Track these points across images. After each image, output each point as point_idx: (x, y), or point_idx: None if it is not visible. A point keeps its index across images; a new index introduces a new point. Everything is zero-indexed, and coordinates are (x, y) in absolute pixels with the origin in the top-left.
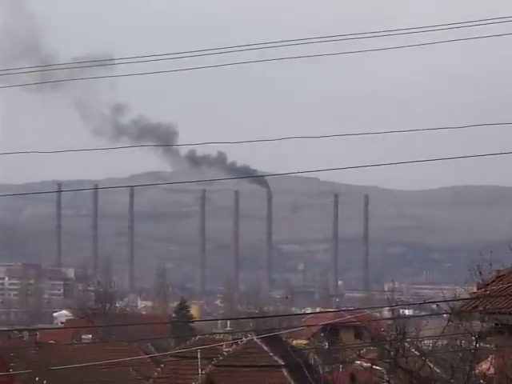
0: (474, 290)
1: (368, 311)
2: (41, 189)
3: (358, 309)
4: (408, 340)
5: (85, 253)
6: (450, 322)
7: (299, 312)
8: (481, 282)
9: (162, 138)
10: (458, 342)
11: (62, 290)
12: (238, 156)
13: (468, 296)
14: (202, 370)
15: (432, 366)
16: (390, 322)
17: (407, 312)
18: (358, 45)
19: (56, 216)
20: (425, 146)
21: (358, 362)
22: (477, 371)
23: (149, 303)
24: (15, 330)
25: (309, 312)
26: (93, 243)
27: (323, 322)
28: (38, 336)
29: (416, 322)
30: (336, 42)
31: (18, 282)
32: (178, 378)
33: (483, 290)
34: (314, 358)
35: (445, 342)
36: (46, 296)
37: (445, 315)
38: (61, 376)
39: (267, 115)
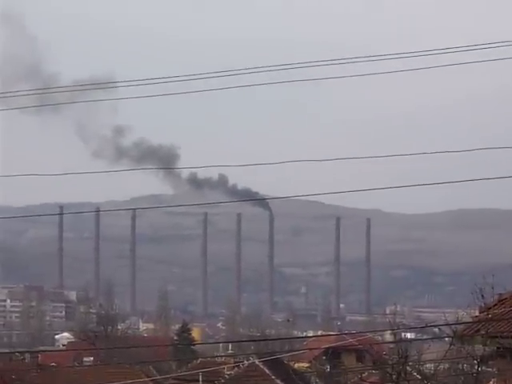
0: (476, 313)
1: (370, 334)
2: (42, 211)
3: (359, 332)
4: (410, 363)
5: (86, 275)
6: (452, 346)
7: (301, 335)
8: (483, 305)
9: (164, 160)
10: (460, 366)
11: (63, 313)
12: (239, 179)
13: (470, 319)
14: None
15: None
16: (391, 345)
17: (409, 335)
18: (362, 68)
19: (58, 238)
20: (429, 169)
21: None
22: None
23: (150, 326)
24: (17, 352)
25: (310, 335)
26: (94, 266)
27: (325, 346)
28: (39, 358)
29: (418, 346)
30: (345, 64)
31: (20, 304)
32: None
33: (485, 313)
34: (316, 382)
35: (447, 365)
36: (48, 318)
37: (447, 339)
38: None
39: (269, 138)
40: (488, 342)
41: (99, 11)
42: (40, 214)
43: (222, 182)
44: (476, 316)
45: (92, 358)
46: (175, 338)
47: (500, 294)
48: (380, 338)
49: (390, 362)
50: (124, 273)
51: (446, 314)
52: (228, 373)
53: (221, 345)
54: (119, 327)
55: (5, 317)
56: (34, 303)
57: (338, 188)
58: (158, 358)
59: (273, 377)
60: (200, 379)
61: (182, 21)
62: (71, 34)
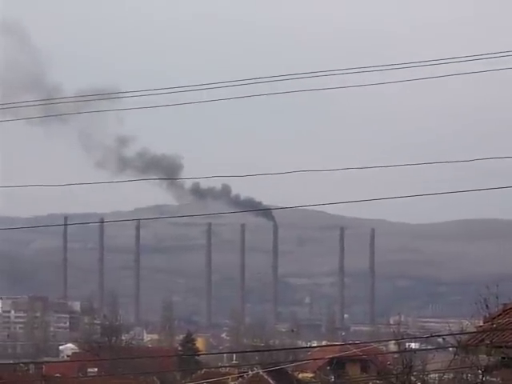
0: (481, 323)
1: (374, 345)
2: (47, 222)
3: (364, 342)
4: (414, 373)
5: (91, 286)
6: (457, 356)
7: (305, 345)
8: (487, 315)
9: (167, 170)
10: (465, 376)
11: (68, 323)
12: (243, 189)
13: (474, 329)
14: None
15: None
16: (396, 355)
17: (413, 345)
18: (370, 77)
19: (62, 249)
20: (436, 179)
21: None
22: None
23: (155, 336)
24: (21, 363)
25: (315, 345)
26: (99, 276)
27: (329, 356)
28: (44, 369)
29: (422, 356)
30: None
31: (24, 314)
32: None
33: (490, 323)
34: None
35: (451, 375)
36: (52, 329)
37: (451, 349)
38: None
39: (272, 148)
40: (492, 352)
41: (101, 19)
42: (45, 225)
43: (225, 192)
44: (480, 326)
45: (96, 369)
46: (179, 348)
47: (504, 304)
48: (384, 348)
49: (395, 372)
50: (128, 283)
51: (451, 324)
52: (232, 383)
53: (225, 355)
54: (123, 338)
55: (9, 328)
56: (38, 314)
57: (343, 198)
58: (162, 369)
59: None
60: None
61: (188, 31)
62: (72, 43)
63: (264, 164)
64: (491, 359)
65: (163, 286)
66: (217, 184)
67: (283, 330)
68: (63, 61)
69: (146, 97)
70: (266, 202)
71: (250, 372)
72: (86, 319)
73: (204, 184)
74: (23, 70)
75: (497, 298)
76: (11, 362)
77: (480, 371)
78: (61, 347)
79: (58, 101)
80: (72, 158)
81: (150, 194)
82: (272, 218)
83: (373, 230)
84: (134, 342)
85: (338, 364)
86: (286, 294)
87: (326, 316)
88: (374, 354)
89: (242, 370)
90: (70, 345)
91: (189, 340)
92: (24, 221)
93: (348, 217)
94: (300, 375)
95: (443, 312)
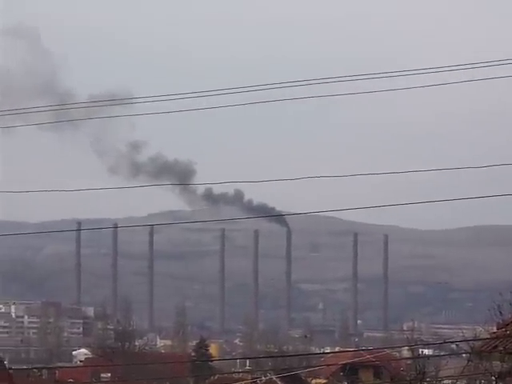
0: (494, 329)
1: (387, 351)
2: (60, 227)
3: (377, 348)
4: (427, 380)
5: (104, 291)
6: (470, 362)
7: (318, 351)
8: (501, 321)
9: (180, 175)
10: (478, 382)
11: (81, 329)
12: (255, 194)
13: (488, 336)
14: None
15: None
16: (409, 361)
17: (426, 352)
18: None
19: (75, 254)
20: (447, 185)
21: None
22: None
23: (168, 342)
24: (34, 368)
25: (328, 351)
26: (112, 282)
27: (342, 362)
28: (57, 374)
29: (435, 362)
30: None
31: (38, 320)
32: None
33: (503, 329)
34: None
35: (464, 381)
36: (66, 334)
37: (464, 355)
38: None
39: (286, 153)
40: (506, 359)
41: (113, 26)
42: (58, 230)
43: (237, 197)
44: (494, 332)
45: (109, 374)
46: (193, 354)
47: None
48: (397, 354)
49: (408, 379)
50: (141, 289)
51: (464, 331)
52: None
53: (238, 361)
54: (137, 343)
55: (22, 333)
56: (51, 319)
57: (356, 204)
58: (175, 375)
59: None
60: None
61: (197, 40)
62: (84, 48)
63: (277, 170)
64: (505, 365)
65: (176, 291)
66: (229, 189)
67: (296, 335)
68: (75, 65)
69: (159, 102)
70: (280, 207)
71: (263, 378)
72: (100, 325)
73: (217, 189)
74: (35, 75)
75: (510, 304)
76: (24, 367)
77: (493, 378)
78: (74, 352)
79: (70, 106)
80: (84, 163)
81: (162, 199)
82: (285, 224)
83: (386, 236)
84: (147, 348)
85: (351, 370)
86: (299, 299)
87: (340, 322)
88: (387, 360)
89: (256, 376)
90: (83, 350)
91: (202, 346)
92: (36, 226)
93: (360, 222)
94: (313, 381)
95: (456, 318)
